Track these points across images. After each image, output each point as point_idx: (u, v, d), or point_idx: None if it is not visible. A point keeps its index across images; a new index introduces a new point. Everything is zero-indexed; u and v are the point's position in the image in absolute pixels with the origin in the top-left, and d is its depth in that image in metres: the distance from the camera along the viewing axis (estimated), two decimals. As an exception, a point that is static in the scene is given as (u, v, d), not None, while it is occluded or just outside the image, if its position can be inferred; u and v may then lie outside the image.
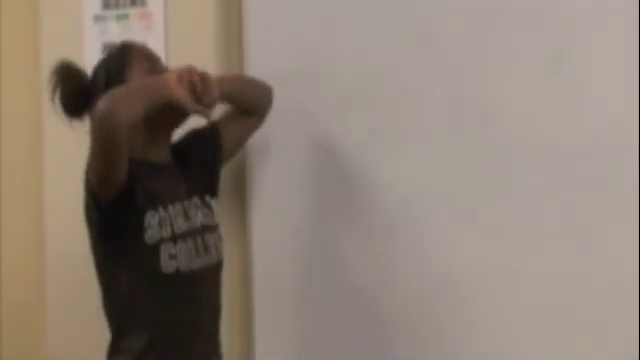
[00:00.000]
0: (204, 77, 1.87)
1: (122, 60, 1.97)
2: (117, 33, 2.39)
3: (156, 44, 2.34)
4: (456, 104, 2.14)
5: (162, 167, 1.97)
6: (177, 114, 1.93)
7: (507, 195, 2.10)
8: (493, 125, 2.12)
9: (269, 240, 2.27)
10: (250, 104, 2.14)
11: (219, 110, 2.10)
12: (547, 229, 2.08)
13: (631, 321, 1.99)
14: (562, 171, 2.07)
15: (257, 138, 2.23)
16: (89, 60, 2.29)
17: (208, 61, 2.31)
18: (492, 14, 2.12)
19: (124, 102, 1.77)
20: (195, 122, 2.04)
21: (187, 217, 1.94)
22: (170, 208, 1.91)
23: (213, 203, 2.06)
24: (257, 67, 2.24)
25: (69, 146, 2.39)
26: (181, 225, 1.92)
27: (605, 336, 2.02)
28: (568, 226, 2.06)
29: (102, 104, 1.75)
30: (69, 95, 1.97)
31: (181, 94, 1.81)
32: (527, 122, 2.09)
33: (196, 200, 2.00)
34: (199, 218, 1.97)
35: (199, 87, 1.84)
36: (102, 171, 1.80)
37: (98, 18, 2.42)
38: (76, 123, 2.00)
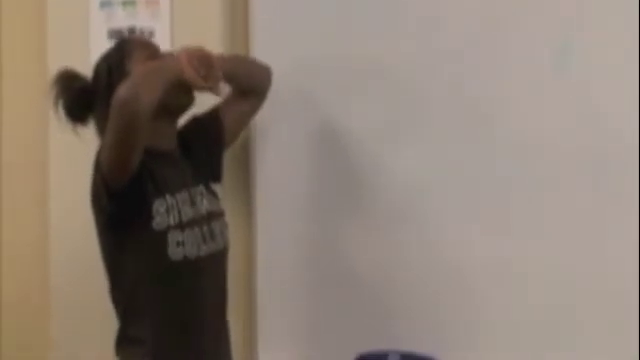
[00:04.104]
0: (209, 60, 1.90)
1: (121, 52, 1.98)
2: (123, 19, 2.39)
3: (162, 31, 2.35)
4: (460, 94, 2.14)
5: (169, 155, 1.98)
6: (182, 100, 1.96)
7: (511, 186, 2.10)
8: (497, 116, 2.11)
9: (273, 228, 2.27)
10: (250, 83, 2.15)
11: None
12: (550, 221, 2.08)
13: (631, 321, 1.99)
14: (566, 164, 2.07)
15: (262, 127, 2.24)
16: (95, 46, 2.31)
17: (214, 48, 2.29)
18: (499, 8, 2.11)
19: (144, 87, 1.78)
20: (197, 109, 2.06)
21: (193, 204, 1.95)
22: (177, 195, 1.92)
23: (217, 189, 2.06)
24: (263, 55, 2.23)
25: (74, 142, 2.39)
26: (188, 212, 1.92)
27: (605, 336, 2.03)
28: (572, 221, 2.06)
29: (123, 90, 1.76)
30: (72, 101, 1.98)
31: (192, 73, 1.85)
32: (532, 116, 2.09)
33: (201, 188, 2.01)
34: (205, 205, 1.98)
35: (203, 71, 1.88)
36: (118, 158, 1.80)
37: (104, 4, 2.42)
38: (81, 129, 2.01)
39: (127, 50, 1.98)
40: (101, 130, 1.93)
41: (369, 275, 2.21)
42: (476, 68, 2.12)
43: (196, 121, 2.10)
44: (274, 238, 2.27)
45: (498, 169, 2.11)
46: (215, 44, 2.30)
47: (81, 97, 1.98)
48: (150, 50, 2.00)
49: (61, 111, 1.98)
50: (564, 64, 2.05)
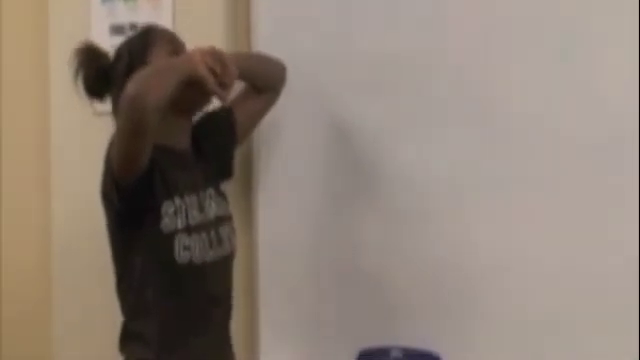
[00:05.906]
0: (223, 59, 1.87)
1: (145, 42, 1.97)
2: (125, 15, 2.39)
3: (164, 26, 2.33)
4: (468, 91, 2.13)
5: (181, 154, 1.97)
6: (198, 98, 1.95)
7: (511, 186, 2.10)
8: (499, 114, 2.11)
9: (274, 226, 2.27)
10: (264, 80, 2.14)
11: (236, 88, 2.09)
12: (555, 218, 2.08)
13: (631, 321, 1.99)
14: (567, 164, 2.07)
15: (267, 123, 2.22)
16: (97, 42, 2.29)
17: (217, 43, 2.28)
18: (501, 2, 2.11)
19: (154, 84, 1.75)
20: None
21: (201, 209, 1.94)
22: (186, 198, 1.91)
23: (226, 188, 2.06)
24: (265, 49, 2.22)
25: (76, 140, 2.39)
26: (195, 216, 1.92)
27: (605, 336, 2.03)
28: (572, 220, 2.07)
29: (132, 87, 1.73)
30: (92, 76, 1.97)
31: (205, 71, 1.82)
32: (540, 109, 2.08)
33: (211, 191, 2.00)
34: (213, 209, 1.98)
35: (218, 69, 1.85)
36: (127, 155, 1.79)
37: (106, -1, 2.42)
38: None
39: (150, 41, 1.97)
40: (117, 112, 1.91)
41: (371, 274, 2.21)
42: (487, 62, 2.11)
43: (209, 116, 2.09)
44: (276, 237, 2.27)
45: (499, 168, 2.11)
46: (217, 39, 2.29)
47: (102, 73, 1.97)
48: (173, 45, 1.98)
49: (80, 84, 1.98)
50: (571, 54, 2.05)
